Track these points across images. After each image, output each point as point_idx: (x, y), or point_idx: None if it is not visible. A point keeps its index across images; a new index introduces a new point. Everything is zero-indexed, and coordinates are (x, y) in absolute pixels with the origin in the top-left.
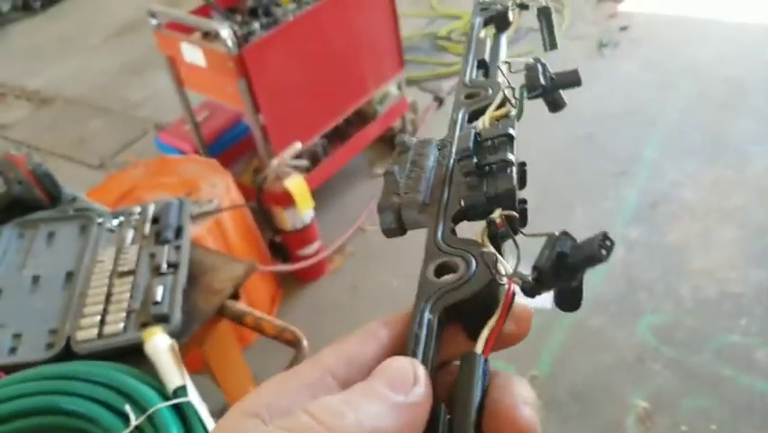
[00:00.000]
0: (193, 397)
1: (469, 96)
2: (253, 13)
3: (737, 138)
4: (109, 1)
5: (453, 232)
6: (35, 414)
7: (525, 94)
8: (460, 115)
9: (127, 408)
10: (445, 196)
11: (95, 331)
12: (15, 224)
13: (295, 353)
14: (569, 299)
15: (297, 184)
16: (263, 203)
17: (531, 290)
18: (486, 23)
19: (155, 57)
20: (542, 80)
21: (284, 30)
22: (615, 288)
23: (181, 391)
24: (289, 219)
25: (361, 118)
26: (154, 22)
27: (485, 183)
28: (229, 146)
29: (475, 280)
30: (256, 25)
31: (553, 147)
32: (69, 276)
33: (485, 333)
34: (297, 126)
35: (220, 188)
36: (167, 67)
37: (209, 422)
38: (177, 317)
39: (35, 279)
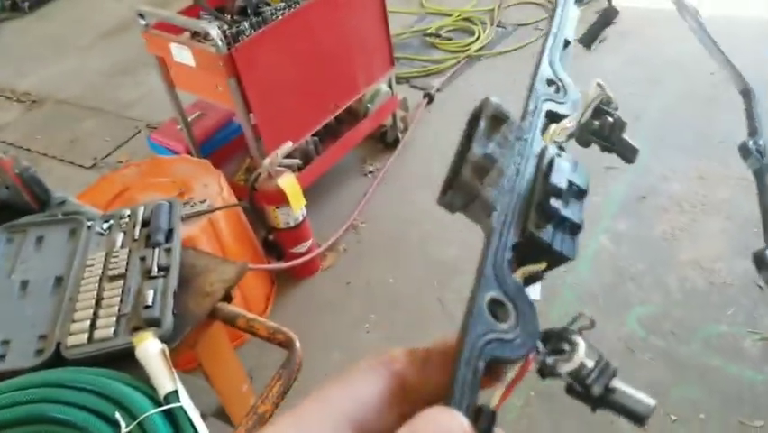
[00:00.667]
0: (185, 402)
1: (550, 83)
2: (243, 12)
3: (723, 132)
4: (98, 1)
5: (511, 264)
6: (24, 423)
7: (587, 132)
8: (539, 106)
9: (117, 415)
10: (513, 213)
11: (85, 336)
12: (3, 228)
13: (288, 354)
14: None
15: (289, 183)
16: (256, 202)
17: (548, 376)
18: None
19: (146, 56)
20: (613, 138)
21: (273, 29)
22: (603, 280)
23: (173, 396)
24: (282, 218)
25: (352, 116)
26: (143, 22)
27: (554, 233)
28: (221, 146)
29: (520, 344)
30: (245, 25)
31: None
32: (59, 281)
33: (499, 391)
34: (288, 125)
35: (213, 187)
36: (157, 67)
37: (201, 428)
38: (168, 320)
39: (24, 284)
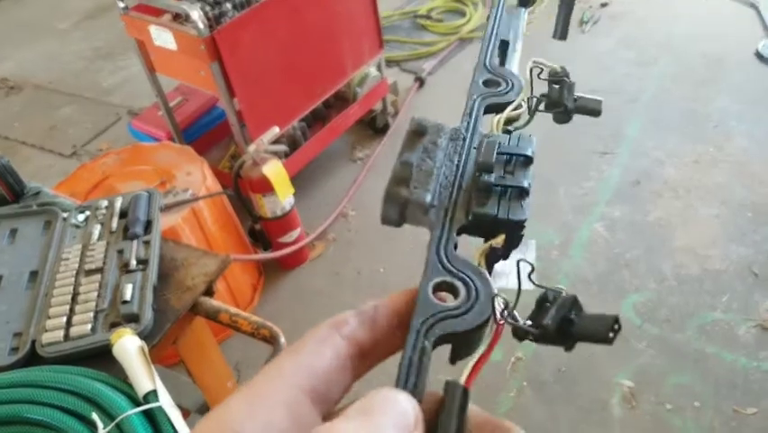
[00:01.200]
0: (164, 401)
1: (487, 84)
2: None
3: (717, 115)
4: None
5: (455, 246)
6: None
7: (542, 106)
8: (476, 105)
9: (94, 415)
10: (453, 204)
11: (61, 333)
12: None
13: (272, 349)
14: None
15: (275, 170)
16: (241, 190)
17: (522, 336)
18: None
19: (127, 40)
20: (566, 101)
21: (257, 10)
22: (598, 267)
23: (152, 396)
24: (269, 206)
25: (341, 101)
26: (122, 5)
27: (498, 204)
28: (204, 132)
29: (474, 315)
30: (228, 6)
31: (533, 125)
32: (33, 275)
33: (470, 364)
34: (274, 110)
35: (196, 175)
36: (137, 51)
37: (181, 428)
38: (147, 316)
39: None
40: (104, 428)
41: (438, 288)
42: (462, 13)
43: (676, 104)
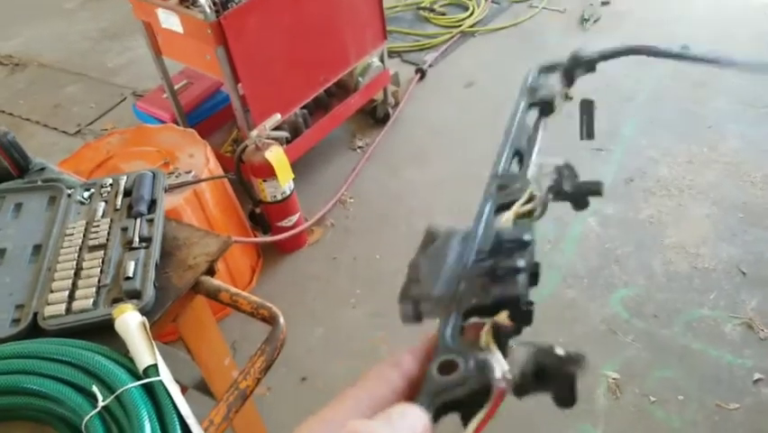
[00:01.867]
0: (164, 376)
1: (500, 188)
2: None
3: (712, 116)
4: None
5: (462, 329)
6: None
7: (550, 196)
8: (487, 208)
9: (94, 388)
10: (459, 292)
11: (63, 307)
12: None
13: (271, 329)
14: (562, 399)
15: (277, 155)
16: (243, 174)
17: (518, 392)
18: (530, 107)
19: (134, 22)
20: (566, 187)
21: None
22: (589, 261)
23: (152, 370)
24: (269, 191)
25: (343, 90)
26: None
27: (496, 286)
28: (208, 116)
29: (470, 382)
30: None
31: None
32: (37, 249)
33: (473, 424)
34: (277, 97)
35: (198, 158)
36: (144, 33)
37: (180, 402)
38: (149, 293)
39: (1, 252)
40: (103, 400)
41: (442, 367)
42: (465, 7)
43: (672, 104)
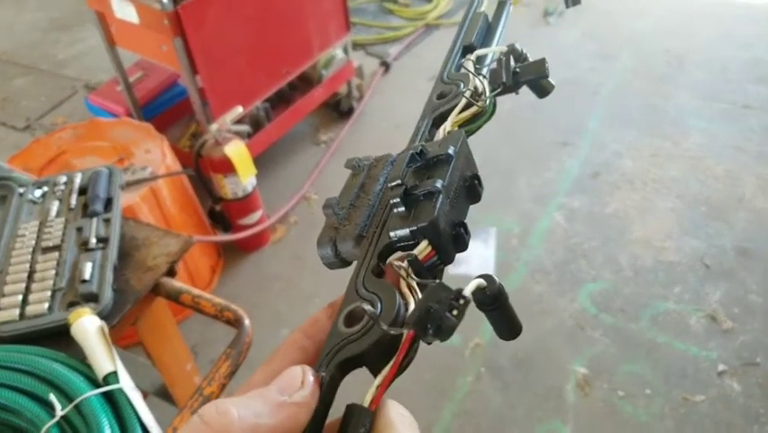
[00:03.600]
0: (125, 383)
1: (440, 96)
2: None
3: (676, 110)
4: None
5: (381, 270)
6: None
7: (494, 92)
8: (424, 124)
9: (52, 397)
10: (375, 229)
11: (16, 312)
12: None
13: (236, 332)
14: (502, 330)
15: (237, 150)
16: (202, 170)
17: (419, 340)
18: None
19: (85, 12)
20: (503, 77)
21: None
22: (556, 256)
23: (112, 377)
24: (230, 187)
25: (306, 83)
26: None
27: (412, 214)
28: (165, 109)
29: (370, 336)
30: None
31: (497, 116)
32: None
33: (376, 382)
34: (237, 90)
35: (155, 153)
36: (97, 23)
37: (142, 410)
38: (107, 295)
39: None
40: (62, 410)
41: (349, 316)
42: (429, 0)
43: (636, 98)
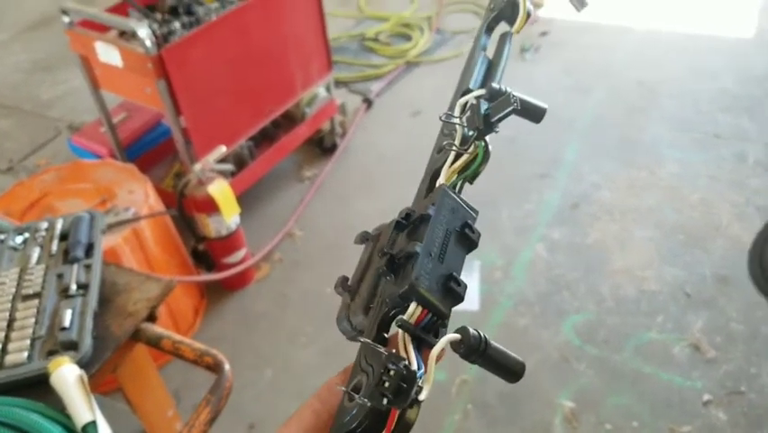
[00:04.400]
0: None
1: (440, 150)
2: (174, 11)
3: (650, 141)
4: None
5: (383, 339)
6: None
7: (476, 138)
8: (426, 183)
9: None
10: (364, 299)
11: None
12: None
13: (216, 378)
14: (501, 375)
15: (221, 189)
16: (185, 210)
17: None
18: (491, 27)
19: (68, 53)
20: (476, 122)
21: (206, 29)
22: (539, 288)
23: (91, 427)
24: (213, 226)
25: (289, 120)
26: (66, 19)
27: (398, 279)
28: (148, 149)
29: (359, 410)
30: (177, 24)
31: None
32: None
33: None
34: (221, 129)
35: (138, 194)
36: (80, 66)
37: None
38: (86, 343)
39: None
40: None
41: (353, 390)
42: (409, 38)
43: (612, 130)
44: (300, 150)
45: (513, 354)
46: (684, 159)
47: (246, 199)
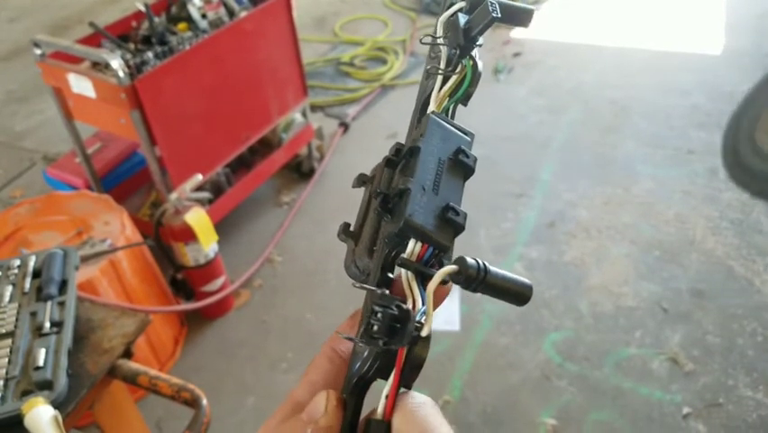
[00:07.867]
0: None
1: (427, 75)
2: (147, 41)
3: (624, 159)
4: None
5: (388, 280)
6: None
7: (460, 58)
8: (416, 115)
9: None
10: (365, 242)
11: None
12: None
13: (194, 412)
14: (507, 300)
15: (198, 218)
16: (163, 239)
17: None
18: None
19: (42, 84)
20: (458, 39)
21: (180, 59)
22: (518, 307)
23: None
24: (191, 255)
25: (266, 146)
26: (38, 51)
27: (395, 217)
28: (124, 179)
29: (369, 352)
30: (150, 54)
31: None
32: None
33: (384, 392)
34: (197, 157)
35: (114, 225)
36: (54, 98)
37: None
38: (61, 382)
39: None
40: None
41: (362, 335)
42: (384, 61)
43: (586, 149)
44: (278, 175)
45: (516, 277)
46: (658, 175)
47: (224, 226)
